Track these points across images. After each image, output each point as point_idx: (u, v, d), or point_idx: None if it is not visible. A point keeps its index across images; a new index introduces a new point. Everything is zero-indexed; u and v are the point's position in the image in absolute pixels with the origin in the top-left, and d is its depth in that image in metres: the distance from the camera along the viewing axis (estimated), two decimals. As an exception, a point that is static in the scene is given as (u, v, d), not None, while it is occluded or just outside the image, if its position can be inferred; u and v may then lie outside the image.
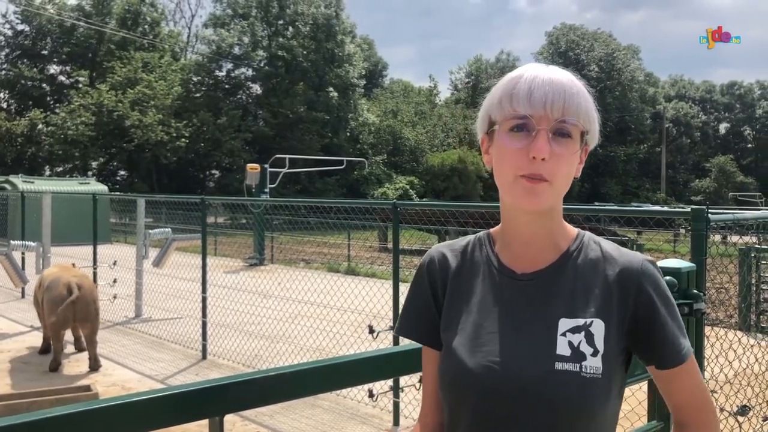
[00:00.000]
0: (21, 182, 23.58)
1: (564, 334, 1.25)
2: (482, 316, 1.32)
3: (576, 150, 1.26)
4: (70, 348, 8.92)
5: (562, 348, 1.24)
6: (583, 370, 1.22)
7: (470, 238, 1.44)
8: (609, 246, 1.34)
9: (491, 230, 1.42)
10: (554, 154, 1.22)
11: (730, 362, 3.76)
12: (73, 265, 10.83)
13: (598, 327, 1.25)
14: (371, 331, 5.87)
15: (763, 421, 4.16)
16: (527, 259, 1.32)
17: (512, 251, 1.34)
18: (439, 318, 1.39)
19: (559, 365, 1.22)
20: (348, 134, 43.08)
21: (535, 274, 1.31)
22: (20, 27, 43.32)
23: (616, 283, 1.28)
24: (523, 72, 1.28)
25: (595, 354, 1.23)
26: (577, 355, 1.23)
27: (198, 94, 41.19)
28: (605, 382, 1.23)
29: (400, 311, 1.49)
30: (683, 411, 1.34)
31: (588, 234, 1.37)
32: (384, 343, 6.75)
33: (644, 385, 2.57)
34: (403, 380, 5.64)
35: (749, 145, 64.90)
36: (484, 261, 1.37)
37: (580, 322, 1.25)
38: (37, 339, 9.46)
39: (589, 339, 1.24)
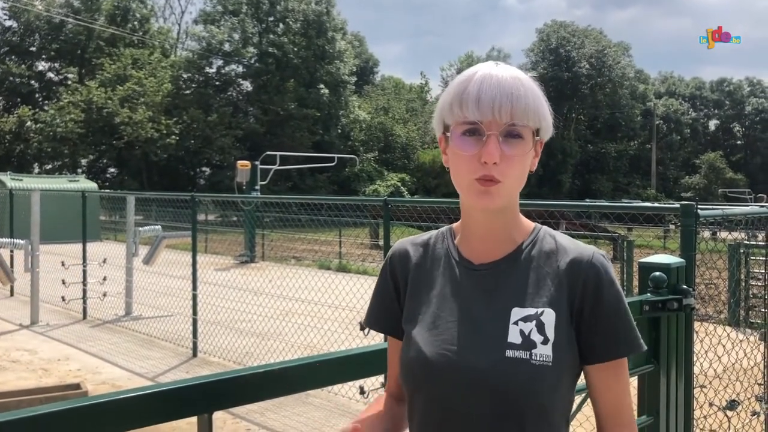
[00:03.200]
0: (9, 180, 23.41)
1: (516, 323, 1.29)
2: (441, 306, 1.36)
3: (528, 149, 1.30)
4: (58, 345, 8.87)
5: (514, 336, 1.28)
6: (533, 357, 1.26)
7: (434, 232, 1.49)
8: (564, 239, 1.38)
9: (453, 225, 1.47)
10: (505, 157, 1.26)
11: (719, 357, 3.78)
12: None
13: (549, 316, 1.29)
14: (362, 327, 5.85)
15: (752, 415, 4.19)
16: (484, 252, 1.37)
17: (471, 245, 1.39)
18: (401, 310, 1.44)
19: (509, 353, 1.26)
20: (339, 131, 43.03)
21: (491, 265, 1.35)
22: (8, 23, 43.06)
23: (566, 273, 1.32)
24: (472, 75, 1.30)
25: (545, 342, 1.27)
26: (528, 343, 1.27)
27: (188, 91, 41.01)
28: (555, 370, 1.26)
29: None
30: (608, 414, 1.36)
31: (544, 228, 1.41)
32: (375, 339, 6.74)
33: (634, 380, 2.58)
34: (394, 377, 5.63)
35: (739, 142, 65.22)
36: (444, 254, 1.42)
37: (532, 311, 1.29)
38: (26, 337, 9.41)
39: (540, 328, 1.28)
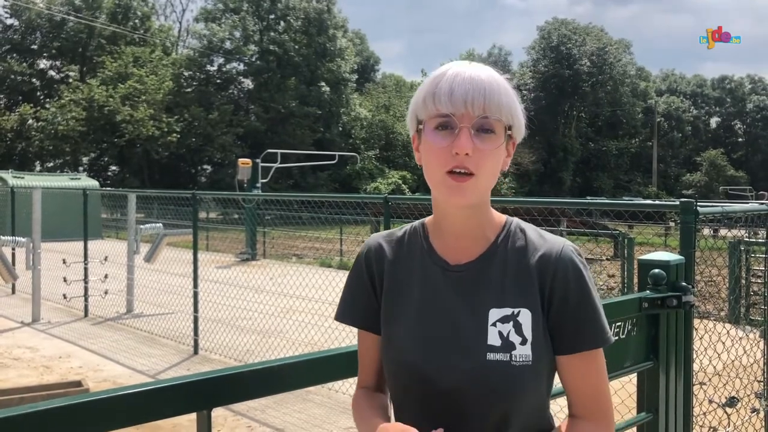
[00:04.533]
0: (11, 178, 23.42)
1: (494, 324, 1.30)
2: (421, 308, 1.36)
3: (500, 144, 1.30)
4: (59, 343, 8.89)
5: (493, 338, 1.29)
6: (513, 359, 1.27)
7: (406, 227, 1.49)
8: (533, 234, 1.38)
9: (426, 219, 1.46)
10: (477, 150, 1.26)
11: (718, 354, 3.78)
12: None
13: (525, 316, 1.30)
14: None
15: (752, 412, 4.19)
16: (459, 251, 1.37)
17: (445, 242, 1.39)
18: (377, 304, 1.44)
19: (490, 356, 1.28)
20: (340, 129, 43.00)
21: (466, 266, 1.36)
22: (9, 21, 43.06)
23: (536, 269, 1.33)
24: (445, 71, 1.31)
25: (524, 343, 1.29)
26: (507, 345, 1.28)
27: (189, 89, 41.01)
28: (535, 368, 1.29)
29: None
30: (580, 402, 1.35)
31: (515, 221, 1.41)
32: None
33: (634, 377, 2.58)
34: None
35: (740, 139, 65.15)
36: (418, 250, 1.41)
37: (509, 311, 1.31)
38: (28, 335, 9.43)
39: (518, 328, 1.30)
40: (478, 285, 1.34)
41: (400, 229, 1.48)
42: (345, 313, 1.49)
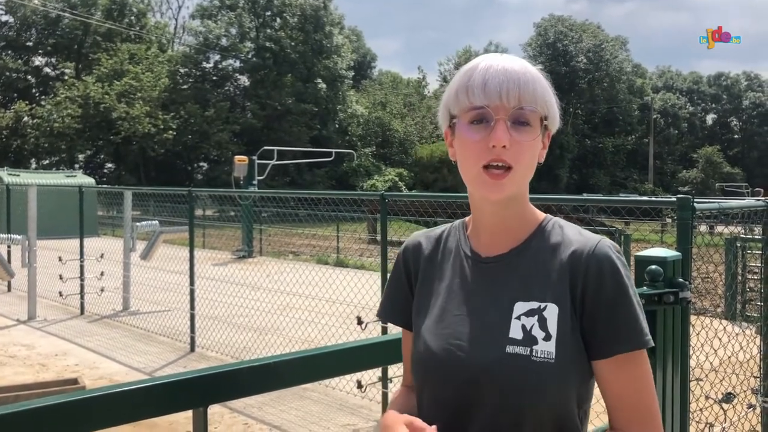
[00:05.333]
0: (6, 175, 23.36)
1: (518, 318, 1.26)
2: (448, 299, 1.35)
3: (536, 136, 1.27)
4: (55, 340, 8.88)
5: (515, 331, 1.25)
6: (534, 354, 1.22)
7: (447, 225, 1.48)
8: (571, 230, 1.33)
9: (466, 218, 1.45)
10: (515, 142, 1.24)
11: (715, 350, 3.78)
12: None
13: (552, 311, 1.25)
14: (360, 322, 5.87)
15: (748, 408, 4.20)
16: (493, 244, 1.34)
17: (480, 237, 1.37)
18: (413, 302, 1.43)
19: (509, 348, 1.24)
20: (337, 126, 42.95)
21: (498, 258, 1.33)
22: (4, 18, 42.92)
23: (569, 265, 1.27)
24: (477, 63, 1.29)
25: (547, 338, 1.23)
26: (529, 339, 1.24)
27: (185, 86, 40.92)
28: (559, 367, 1.22)
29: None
30: (620, 413, 1.26)
31: (555, 219, 1.37)
32: (372, 334, 6.74)
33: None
34: (392, 370, 5.64)
35: (736, 136, 65.24)
36: (455, 247, 1.40)
37: (535, 305, 1.26)
38: (24, 332, 9.41)
39: (542, 323, 1.24)
40: (506, 277, 1.31)
41: (440, 228, 1.48)
42: (386, 312, 1.50)
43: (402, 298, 1.46)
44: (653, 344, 1.26)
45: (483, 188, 1.26)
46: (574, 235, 1.31)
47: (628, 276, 1.27)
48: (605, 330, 1.24)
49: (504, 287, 1.30)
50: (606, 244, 1.29)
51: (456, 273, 1.37)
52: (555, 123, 1.32)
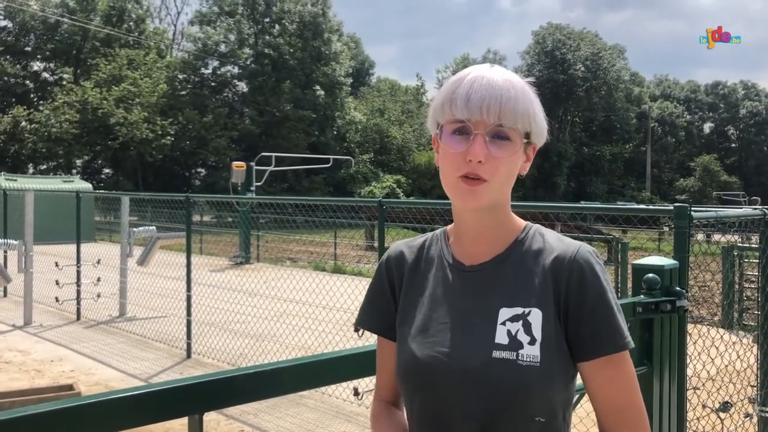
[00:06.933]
0: (3, 180, 23.32)
1: (504, 323, 1.29)
2: (432, 308, 1.37)
3: (515, 151, 1.29)
4: (51, 346, 8.85)
5: (501, 337, 1.28)
6: (520, 358, 1.25)
7: (428, 235, 1.50)
8: (552, 237, 1.37)
9: (447, 227, 1.47)
10: (491, 157, 1.27)
11: (712, 359, 3.78)
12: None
13: (536, 316, 1.28)
14: (357, 329, 5.85)
15: (745, 417, 4.20)
16: (475, 253, 1.37)
17: (463, 246, 1.39)
18: (395, 311, 1.45)
19: (496, 353, 1.27)
20: (335, 133, 43.00)
21: (481, 266, 1.36)
22: (3, 23, 42.94)
23: (551, 271, 1.31)
24: (465, 75, 1.32)
25: (532, 342, 1.26)
26: (515, 344, 1.27)
27: (184, 92, 40.96)
28: (544, 370, 1.25)
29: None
30: (607, 414, 1.31)
31: (535, 227, 1.41)
32: (370, 341, 6.73)
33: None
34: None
35: (733, 145, 65.39)
36: (438, 256, 1.43)
37: (519, 311, 1.29)
38: (19, 338, 9.38)
39: (527, 328, 1.28)
40: (490, 285, 1.33)
41: (422, 237, 1.50)
42: (364, 319, 1.51)
43: (383, 306, 1.47)
44: (633, 345, 1.31)
45: (459, 196, 1.30)
46: (555, 242, 1.35)
47: (607, 281, 1.32)
48: (588, 333, 1.28)
49: (488, 295, 1.33)
50: (586, 249, 1.33)
51: (439, 282, 1.39)
52: (540, 137, 1.35)
